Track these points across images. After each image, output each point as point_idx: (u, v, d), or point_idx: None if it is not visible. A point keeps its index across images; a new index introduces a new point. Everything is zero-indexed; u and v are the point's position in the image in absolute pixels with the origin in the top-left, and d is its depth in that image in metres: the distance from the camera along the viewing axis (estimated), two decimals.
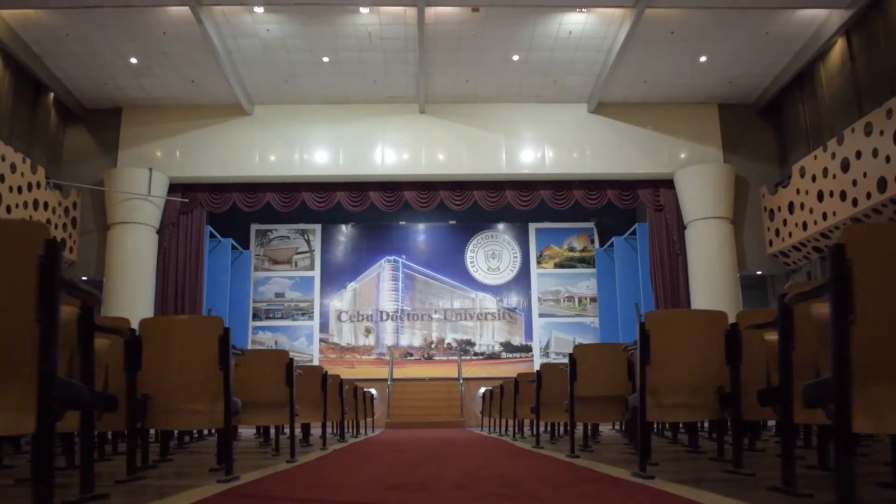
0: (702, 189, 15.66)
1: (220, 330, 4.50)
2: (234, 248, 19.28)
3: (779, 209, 15.29)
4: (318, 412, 7.77)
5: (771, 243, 15.64)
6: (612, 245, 19.35)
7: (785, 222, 15.00)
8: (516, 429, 10.35)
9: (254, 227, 20.65)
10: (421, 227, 20.86)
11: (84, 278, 15.92)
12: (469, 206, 16.39)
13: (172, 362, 4.56)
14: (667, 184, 16.15)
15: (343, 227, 20.78)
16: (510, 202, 16.26)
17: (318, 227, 20.74)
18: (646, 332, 4.44)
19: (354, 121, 16.08)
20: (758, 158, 16.12)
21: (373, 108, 16.12)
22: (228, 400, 4.35)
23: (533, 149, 16.02)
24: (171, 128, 16.03)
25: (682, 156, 15.98)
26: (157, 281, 15.79)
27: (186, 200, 15.99)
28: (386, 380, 17.01)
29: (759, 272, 16.15)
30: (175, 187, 16.05)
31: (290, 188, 16.23)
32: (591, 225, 20.78)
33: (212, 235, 18.27)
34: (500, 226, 20.86)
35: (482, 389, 15.24)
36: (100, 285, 15.49)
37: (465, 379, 16.82)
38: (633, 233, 18.41)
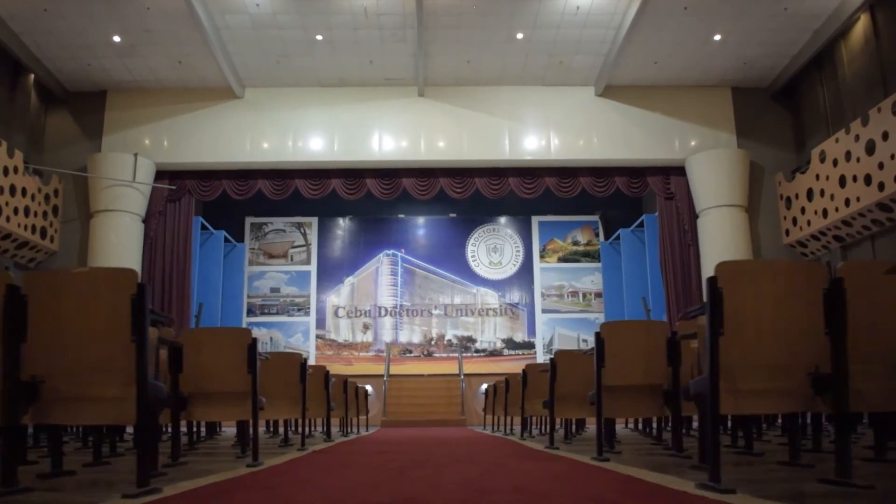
0: (715, 176, 14.45)
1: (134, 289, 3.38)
2: (227, 240, 18.06)
3: (796, 196, 14.07)
4: (297, 407, 6.50)
5: (788, 233, 14.41)
6: (618, 238, 18.13)
7: (803, 210, 13.78)
8: (523, 427, 9.08)
9: (248, 221, 19.44)
10: (420, 220, 19.65)
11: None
12: (470, 193, 15.18)
13: (67, 332, 3.37)
14: (678, 171, 14.94)
15: (340, 221, 19.57)
16: (513, 190, 15.04)
17: (314, 220, 19.53)
18: (718, 291, 3.32)
19: (350, 104, 14.89)
20: (773, 144, 14.90)
21: (369, 91, 14.92)
22: (144, 385, 3.12)
23: (537, 134, 14.82)
24: (158, 112, 14.83)
25: (694, 141, 14.77)
26: (143, 272, 14.57)
27: (173, 187, 14.78)
28: (383, 376, 15.74)
29: None
30: (162, 174, 14.85)
31: (283, 175, 15.03)
32: (595, 218, 19.55)
33: (203, 228, 17.06)
34: (502, 219, 19.64)
35: (484, 386, 13.99)
36: None
37: (466, 375, 15.54)
38: (641, 224, 17.19)
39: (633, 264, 17.50)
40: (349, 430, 10.75)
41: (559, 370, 6.75)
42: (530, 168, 15.04)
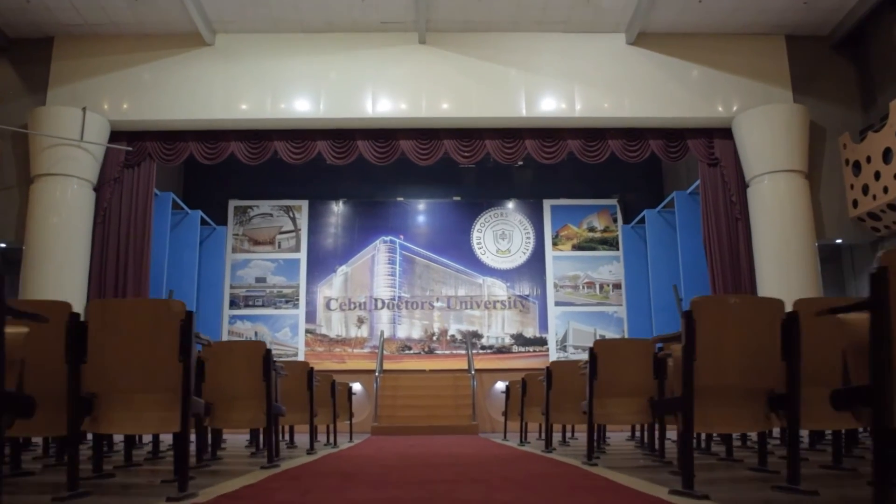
0: (769, 136, 11.16)
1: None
2: (204, 223, 14.69)
3: (868, 160, 10.75)
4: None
5: (855, 204, 11.09)
6: (642, 220, 14.79)
7: (877, 175, 10.49)
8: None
9: (232, 204, 16.13)
10: (421, 203, 16.32)
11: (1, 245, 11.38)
12: (480, 157, 11.87)
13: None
14: (723, 133, 11.65)
15: (333, 204, 16.23)
16: (531, 153, 11.72)
17: (304, 204, 16.21)
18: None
19: (339, 53, 11.62)
20: (835, 101, 11.63)
21: (361, 38, 11.63)
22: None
23: (559, 89, 11.52)
24: (113, 61, 11.54)
25: (743, 98, 11.49)
26: (94, 251, 11.21)
27: (130, 149, 11.42)
28: (374, 371, 12.20)
29: (838, 240, 11.53)
30: (118, 135, 11.55)
31: (260, 136, 11.71)
32: (613, 202, 16.24)
33: (177, 206, 13.73)
34: (511, 203, 16.29)
35: (500, 384, 10.57)
36: (18, 255, 10.91)
37: (477, 370, 11.97)
38: (670, 204, 13.87)
39: (660, 249, 14.23)
40: (332, 441, 7.35)
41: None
42: (550, 129, 11.70)
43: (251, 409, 4.62)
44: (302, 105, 11.46)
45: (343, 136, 11.68)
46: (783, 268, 10.85)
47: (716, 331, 3.46)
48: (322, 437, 8.11)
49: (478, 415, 11.11)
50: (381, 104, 11.45)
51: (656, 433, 5.16)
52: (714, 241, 11.46)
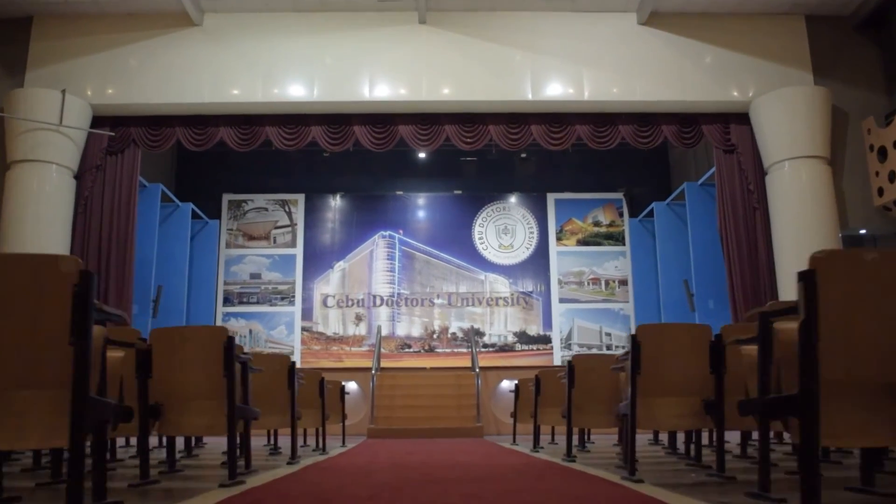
0: (788, 120, 10.27)
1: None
2: (196, 217, 13.79)
3: (894, 146, 9.85)
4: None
5: (881, 192, 10.19)
6: (650, 213, 13.89)
7: None
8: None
9: (226, 198, 15.21)
10: (421, 197, 15.43)
11: None
12: (483, 143, 10.94)
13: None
14: (739, 118, 10.75)
15: (330, 198, 15.32)
16: (537, 139, 10.82)
17: (300, 198, 15.31)
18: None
19: (334, 34, 10.73)
20: (858, 85, 10.75)
21: (358, 18, 10.74)
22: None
23: (567, 72, 10.62)
24: (95, 42, 10.65)
25: (761, 81, 10.60)
26: (74, 243, 10.31)
27: (112, 134, 10.51)
28: (371, 369, 11.23)
29: (861, 230, 10.63)
30: (101, 120, 10.65)
31: (251, 122, 10.81)
32: (619, 195, 15.33)
33: (166, 199, 12.84)
34: (513, 197, 15.38)
35: (506, 383, 9.65)
36: None
37: (482, 368, 10.98)
38: (680, 196, 12.98)
39: (669, 243, 13.34)
40: (321, 446, 6.42)
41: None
42: (557, 114, 10.79)
43: (209, 412, 3.78)
44: (295, 89, 10.56)
45: (339, 121, 10.77)
46: (805, 256, 9.86)
47: (848, 301, 2.47)
48: (312, 441, 7.23)
49: (482, 416, 10.18)
50: (379, 88, 10.55)
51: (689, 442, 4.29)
52: (731, 232, 10.56)
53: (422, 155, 15.09)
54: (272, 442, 6.54)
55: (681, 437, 5.81)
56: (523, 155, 15.13)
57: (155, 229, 12.20)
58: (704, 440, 5.36)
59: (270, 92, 10.54)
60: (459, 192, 15.43)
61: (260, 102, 10.53)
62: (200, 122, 10.72)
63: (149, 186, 12.30)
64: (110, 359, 3.41)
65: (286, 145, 10.69)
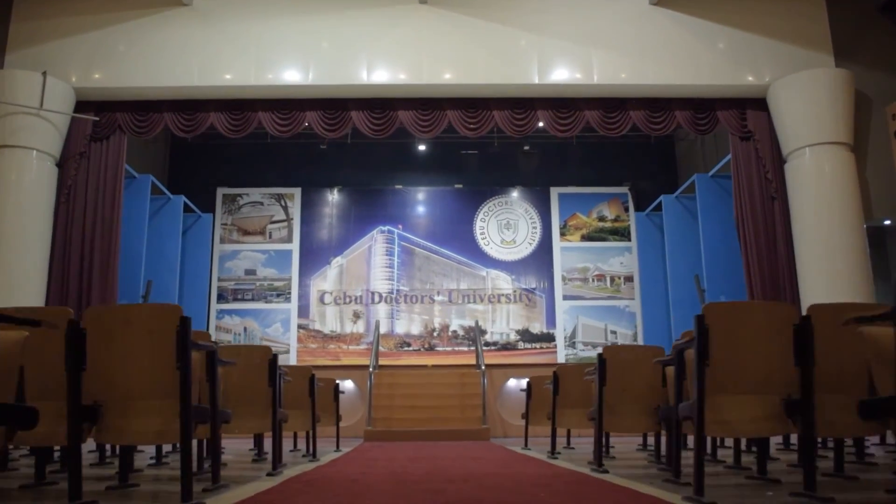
0: (809, 104, 9.54)
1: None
2: (188, 210, 13.00)
3: None
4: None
5: None
6: (658, 207, 13.13)
7: None
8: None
9: (220, 191, 14.41)
10: (421, 191, 14.65)
11: None
12: (488, 128, 10.15)
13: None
14: (756, 103, 10.01)
15: (327, 192, 14.55)
16: (543, 125, 10.08)
17: (297, 192, 14.53)
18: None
19: (330, 14, 9.98)
20: (881, 68, 10.00)
21: None
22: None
23: (575, 54, 9.87)
24: (79, 23, 9.88)
25: (779, 64, 9.85)
26: (56, 233, 9.51)
27: (96, 118, 9.73)
28: (368, 367, 10.36)
29: (886, 221, 9.89)
30: (85, 105, 9.88)
31: (243, 106, 10.04)
32: (624, 190, 14.56)
33: (157, 192, 12.07)
34: (516, 191, 14.62)
35: (513, 381, 8.85)
36: None
37: (488, 366, 10.11)
38: (690, 189, 12.24)
39: (678, 237, 12.59)
40: (311, 451, 5.62)
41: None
42: (565, 98, 10.03)
43: (160, 414, 3.04)
44: (289, 72, 9.79)
45: (335, 106, 10.00)
46: (828, 251, 9.20)
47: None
48: (304, 444, 6.45)
49: (488, 417, 9.34)
50: (378, 71, 9.78)
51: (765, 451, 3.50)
52: (748, 223, 9.80)
53: (422, 147, 14.33)
54: (257, 447, 5.76)
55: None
56: (526, 147, 14.38)
57: (144, 222, 11.45)
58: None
59: (263, 75, 9.77)
60: (460, 185, 14.67)
61: (252, 86, 9.77)
62: (190, 107, 9.95)
63: (138, 177, 11.54)
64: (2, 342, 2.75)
65: (280, 131, 9.92)
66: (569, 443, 6.81)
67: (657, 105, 10.04)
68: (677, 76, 9.86)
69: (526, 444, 6.80)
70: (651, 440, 5.79)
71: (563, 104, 9.99)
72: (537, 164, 14.68)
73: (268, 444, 5.43)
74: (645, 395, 3.90)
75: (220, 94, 9.88)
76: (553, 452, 5.48)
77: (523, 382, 8.70)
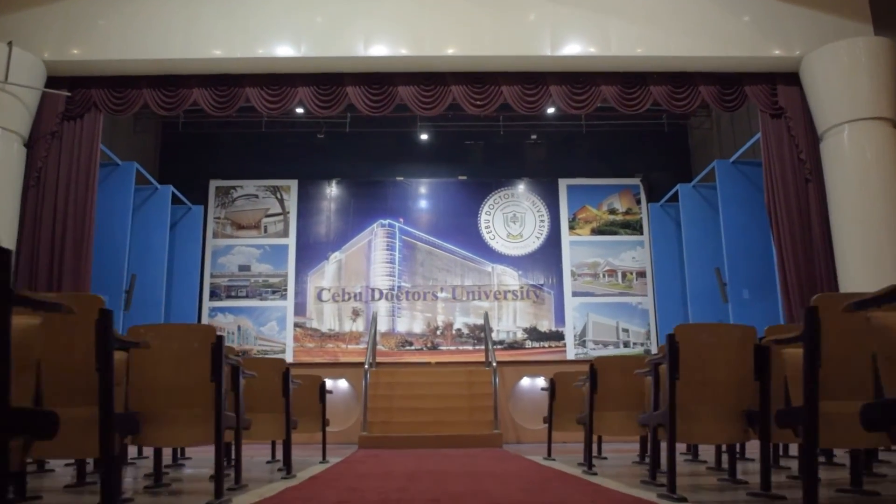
0: (846, 77, 8.42)
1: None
2: (177, 201, 11.84)
3: None
4: None
5: None
6: (674, 197, 11.95)
7: None
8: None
9: (213, 184, 13.26)
10: (423, 183, 13.50)
11: None
12: (496, 105, 8.98)
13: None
14: (788, 78, 8.88)
15: (325, 184, 13.41)
16: (556, 101, 8.92)
17: (293, 184, 13.38)
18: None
19: None
20: None
21: None
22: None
23: (591, 24, 8.74)
24: None
25: (813, 34, 8.72)
26: (24, 219, 8.36)
27: (68, 94, 8.58)
28: (364, 363, 9.00)
29: None
30: (57, 81, 8.76)
31: (229, 81, 8.89)
32: (636, 181, 13.41)
33: (142, 181, 10.94)
34: (522, 183, 13.46)
35: (527, 380, 7.65)
36: None
37: (500, 363, 8.75)
38: (708, 178, 11.10)
39: (696, 228, 11.43)
40: (285, 466, 4.42)
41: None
42: (580, 72, 8.87)
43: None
44: (279, 44, 8.66)
45: (329, 81, 8.86)
46: (868, 236, 8.05)
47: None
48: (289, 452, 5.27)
49: (500, 421, 7.98)
50: (376, 43, 8.65)
51: None
52: (780, 208, 8.65)
53: (424, 137, 13.20)
54: (226, 458, 4.56)
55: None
56: (533, 136, 13.26)
57: (128, 212, 10.31)
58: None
59: (251, 48, 8.64)
60: (464, 177, 13.51)
61: (239, 59, 8.64)
62: (171, 82, 8.81)
63: (122, 165, 10.40)
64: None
65: (269, 109, 8.77)
66: (600, 451, 5.63)
67: (680, 80, 8.88)
68: (702, 48, 8.72)
69: (549, 454, 5.61)
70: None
71: (577, 79, 8.84)
72: (545, 154, 13.55)
73: (252, 452, 4.26)
74: (733, 393, 2.85)
75: (205, 68, 8.74)
76: (589, 466, 4.30)
77: (538, 381, 7.52)
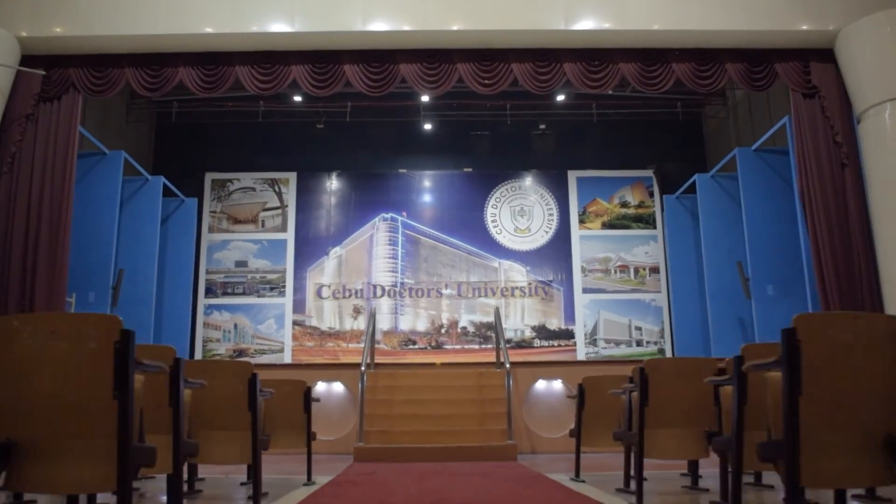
0: (887, 51, 7.55)
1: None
2: (170, 193, 10.99)
3: None
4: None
5: None
6: (691, 188, 11.06)
7: None
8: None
9: (209, 177, 12.42)
10: (427, 175, 12.63)
11: None
12: (506, 84, 8.08)
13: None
14: (822, 54, 8.00)
15: (325, 177, 12.56)
16: (571, 80, 8.00)
17: (292, 176, 12.54)
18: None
19: None
20: None
21: None
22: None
23: None
24: None
25: (849, 5, 7.80)
26: None
27: (43, 73, 7.73)
28: (362, 366, 7.92)
29: None
30: (32, 60, 7.93)
31: (217, 60, 8.02)
32: (649, 173, 12.53)
33: (131, 172, 10.13)
34: (531, 175, 12.62)
35: (546, 383, 6.76)
36: None
37: (513, 364, 7.67)
38: (728, 167, 10.25)
39: (715, 221, 10.58)
40: (254, 489, 3.55)
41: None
42: (596, 49, 8.00)
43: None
44: (272, 18, 7.80)
45: (325, 58, 7.99)
46: None
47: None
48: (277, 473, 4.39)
49: (514, 431, 6.83)
50: (375, 17, 7.78)
51: None
52: (815, 196, 7.75)
53: (427, 127, 12.34)
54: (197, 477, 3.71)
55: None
56: (542, 126, 12.39)
57: (116, 203, 9.48)
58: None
59: (241, 23, 7.79)
60: (470, 169, 12.64)
61: (228, 35, 7.79)
62: (155, 60, 7.96)
63: (109, 153, 9.57)
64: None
65: (260, 89, 7.91)
66: (630, 472, 4.75)
67: (705, 57, 8.00)
68: (728, 21, 7.85)
69: (577, 474, 4.68)
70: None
71: (594, 55, 7.96)
72: (553, 145, 12.69)
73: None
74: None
75: (191, 45, 7.89)
76: (638, 498, 3.38)
77: (555, 384, 6.63)
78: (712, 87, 8.06)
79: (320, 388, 6.65)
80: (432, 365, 7.14)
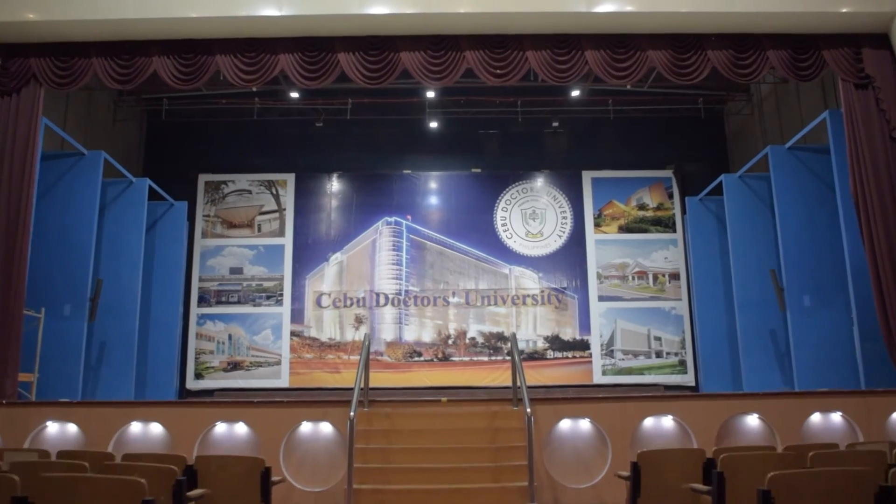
0: None
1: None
2: (157, 196, 9.89)
3: None
4: None
5: None
6: (717, 189, 9.89)
7: None
8: None
9: (202, 179, 11.35)
10: (433, 176, 11.51)
11: None
12: (520, 73, 6.92)
13: None
14: (876, 39, 6.83)
15: (325, 178, 11.47)
16: (593, 69, 6.85)
17: (290, 178, 11.47)
18: None
19: None
20: None
21: None
22: None
23: None
24: None
25: None
26: None
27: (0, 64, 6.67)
28: (351, 410, 6.01)
29: None
30: None
31: (196, 48, 6.90)
32: (668, 173, 11.37)
33: (113, 174, 9.07)
34: (542, 175, 11.49)
35: (570, 423, 5.57)
36: None
37: (533, 400, 6.04)
38: (758, 167, 9.11)
39: (745, 224, 9.49)
40: None
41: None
42: (621, 34, 6.83)
43: None
44: (257, 2, 6.67)
45: (317, 46, 6.87)
46: None
47: None
48: None
49: (538, 483, 5.34)
50: (373, 1, 6.65)
51: None
52: (870, 196, 6.60)
53: (433, 125, 11.25)
54: None
55: None
56: (555, 124, 11.29)
57: (94, 208, 8.49)
58: None
59: (222, 6, 6.68)
60: (478, 170, 11.52)
61: (207, 19, 6.69)
62: (125, 49, 6.87)
63: (88, 154, 8.53)
64: None
65: (243, 80, 6.81)
66: None
67: (744, 43, 6.85)
68: (770, 3, 6.69)
69: None
70: None
71: (619, 41, 6.82)
72: (567, 144, 11.59)
73: None
74: None
75: (166, 31, 6.79)
76: None
77: (581, 423, 5.48)
78: (751, 77, 6.91)
79: (305, 428, 5.54)
80: (438, 401, 5.93)
